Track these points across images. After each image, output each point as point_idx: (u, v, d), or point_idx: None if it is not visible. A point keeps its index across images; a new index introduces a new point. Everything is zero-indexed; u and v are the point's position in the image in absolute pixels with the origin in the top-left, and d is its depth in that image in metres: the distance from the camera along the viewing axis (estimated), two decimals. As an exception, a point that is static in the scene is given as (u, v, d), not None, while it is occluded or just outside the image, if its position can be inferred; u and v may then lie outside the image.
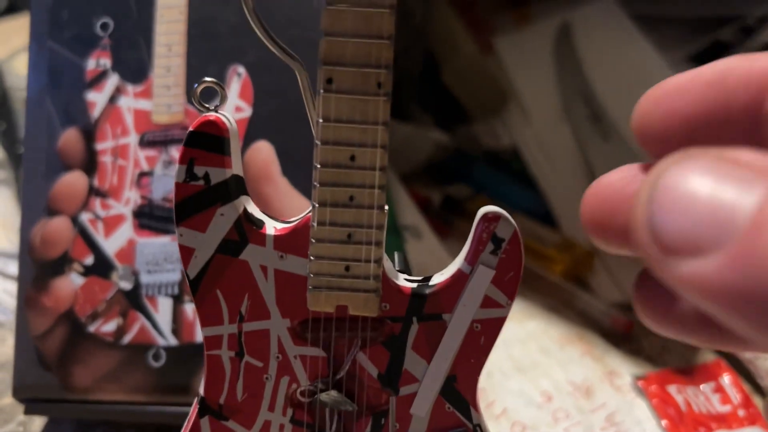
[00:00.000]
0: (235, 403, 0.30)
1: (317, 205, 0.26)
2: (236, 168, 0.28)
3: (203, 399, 0.30)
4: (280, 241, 0.28)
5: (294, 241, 0.28)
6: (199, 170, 0.27)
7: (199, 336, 0.43)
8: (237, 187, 0.28)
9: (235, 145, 0.27)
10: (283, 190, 0.42)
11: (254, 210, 0.28)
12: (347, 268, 0.28)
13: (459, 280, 0.28)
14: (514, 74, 0.79)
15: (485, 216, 0.28)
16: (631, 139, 0.72)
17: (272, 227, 0.28)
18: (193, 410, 0.30)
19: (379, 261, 0.27)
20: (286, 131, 0.43)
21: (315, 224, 0.27)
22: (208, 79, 0.27)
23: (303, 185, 0.43)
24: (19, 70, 0.80)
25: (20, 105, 0.75)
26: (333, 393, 0.30)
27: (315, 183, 0.26)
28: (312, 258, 0.27)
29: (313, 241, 0.27)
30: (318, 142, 0.26)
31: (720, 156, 0.18)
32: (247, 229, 0.28)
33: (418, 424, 0.30)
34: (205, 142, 0.27)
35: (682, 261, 0.17)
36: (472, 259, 0.28)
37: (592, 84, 0.76)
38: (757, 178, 0.17)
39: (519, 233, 0.28)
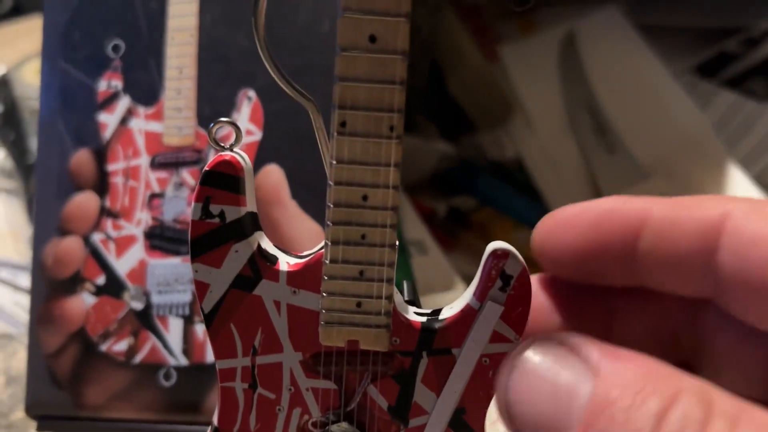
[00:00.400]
0: None
1: (330, 244, 0.27)
2: (250, 205, 0.28)
3: (217, 429, 0.30)
4: (293, 276, 0.28)
5: (307, 276, 0.28)
6: (215, 208, 0.27)
7: (209, 356, 0.44)
8: (251, 223, 0.28)
9: (249, 183, 0.28)
10: (292, 213, 0.43)
11: (268, 245, 0.29)
12: (359, 304, 0.28)
13: (468, 315, 0.29)
14: (519, 84, 0.80)
15: (494, 253, 0.28)
16: (636, 152, 0.73)
17: (285, 263, 0.29)
18: None
19: (390, 297, 0.28)
20: (296, 155, 0.43)
21: (327, 261, 0.27)
22: (223, 119, 0.28)
23: (313, 208, 0.43)
24: (27, 79, 0.80)
25: (29, 115, 0.75)
26: (344, 425, 0.30)
27: (328, 222, 0.27)
28: (324, 294, 0.28)
29: (326, 278, 0.28)
30: (331, 183, 0.26)
31: (560, 346, 0.22)
32: (260, 265, 0.28)
33: None
34: (221, 181, 0.27)
35: None
36: (480, 296, 0.29)
37: (597, 95, 0.76)
38: (579, 385, 0.21)
39: (527, 270, 0.28)
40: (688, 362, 0.31)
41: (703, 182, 0.69)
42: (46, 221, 0.46)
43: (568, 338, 0.23)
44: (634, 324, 0.31)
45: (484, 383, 0.29)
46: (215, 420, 0.30)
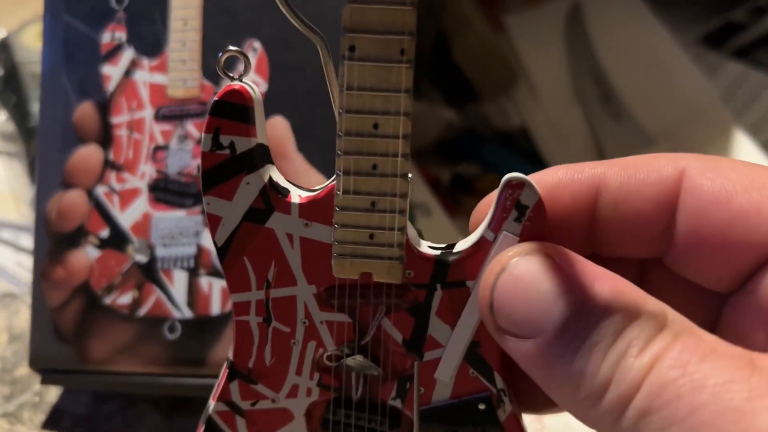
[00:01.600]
0: (264, 368, 0.30)
1: (341, 174, 0.27)
2: (261, 137, 0.28)
3: (233, 363, 0.30)
4: (305, 209, 0.28)
5: (319, 208, 0.28)
6: (225, 139, 0.27)
7: (214, 309, 0.44)
8: (262, 155, 0.28)
9: (259, 114, 0.28)
10: (298, 166, 0.42)
11: (279, 178, 0.29)
12: (371, 236, 0.28)
13: (482, 247, 0.28)
14: (524, 53, 0.79)
15: (509, 183, 0.27)
16: (642, 120, 0.72)
17: (297, 195, 0.28)
18: (223, 374, 0.31)
19: (402, 229, 0.28)
20: (302, 107, 0.43)
21: (339, 192, 0.27)
22: (232, 48, 0.27)
23: (319, 161, 0.43)
24: (27, 43, 0.79)
25: (30, 79, 0.75)
26: (359, 358, 0.30)
27: (339, 152, 0.26)
28: (336, 226, 0.28)
29: (338, 209, 0.27)
30: (341, 111, 0.26)
31: (551, 256, 0.25)
32: (272, 197, 0.28)
33: (442, 389, 0.30)
34: (230, 112, 0.27)
35: (509, 338, 0.25)
36: (495, 227, 0.28)
37: (602, 64, 0.76)
38: (566, 292, 0.24)
39: (543, 201, 0.28)
40: None
41: (709, 150, 0.69)
42: (50, 175, 0.46)
43: (557, 251, 0.25)
44: None
45: None
46: (231, 354, 0.30)
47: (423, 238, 0.30)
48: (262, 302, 0.29)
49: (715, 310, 0.29)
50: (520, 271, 0.25)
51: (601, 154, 0.71)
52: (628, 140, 0.71)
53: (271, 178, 0.28)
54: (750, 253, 0.26)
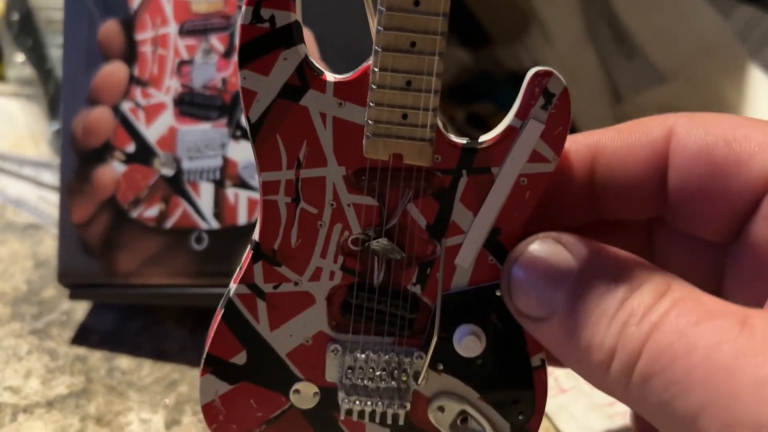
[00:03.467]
0: (289, 249, 0.31)
1: (380, 50, 0.27)
2: (298, 14, 0.28)
3: (258, 244, 0.31)
4: (340, 88, 0.28)
5: (353, 88, 0.28)
6: (266, 12, 0.27)
7: (241, 219, 0.44)
8: (299, 33, 0.28)
9: None
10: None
11: (313, 60, 0.29)
12: (404, 116, 0.28)
13: (509, 135, 0.29)
14: (536, -1, 0.79)
15: (537, 72, 0.28)
16: (656, 59, 0.72)
17: (332, 76, 0.29)
18: (247, 256, 0.31)
19: (435, 110, 0.28)
20: (327, 17, 0.43)
21: (377, 69, 0.27)
22: None
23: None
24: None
25: (44, 24, 0.75)
26: (383, 241, 0.30)
27: (379, 27, 0.27)
28: (371, 104, 0.28)
29: (374, 87, 0.28)
30: None
31: (556, 242, 0.27)
32: (308, 74, 0.28)
33: (461, 275, 0.31)
34: None
35: (528, 320, 0.28)
36: (522, 114, 0.29)
37: (615, 5, 0.76)
38: (573, 272, 0.26)
39: (568, 90, 0.29)
40: None
41: (724, 86, 0.69)
42: (75, 94, 0.46)
43: (563, 237, 0.27)
44: None
45: (520, 204, 0.30)
46: (256, 235, 0.31)
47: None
48: (292, 182, 0.30)
49: (719, 262, 0.30)
50: (531, 257, 0.28)
51: (614, 93, 0.71)
52: (641, 78, 0.71)
53: (307, 56, 0.28)
54: (734, 202, 0.28)
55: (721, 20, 0.73)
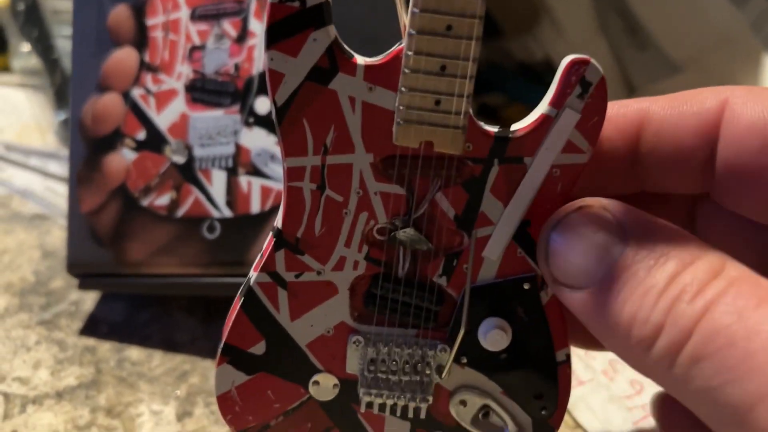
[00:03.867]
0: (312, 238, 0.30)
1: (415, 33, 0.26)
2: None
3: (280, 232, 0.30)
4: (370, 71, 0.27)
5: (384, 73, 0.27)
6: None
7: (253, 208, 0.43)
8: (329, 13, 0.27)
9: None
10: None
11: (342, 42, 0.28)
12: (437, 102, 0.27)
13: (543, 124, 0.28)
14: (547, -10, 0.78)
15: (574, 60, 0.27)
16: (668, 49, 0.71)
17: (362, 59, 0.28)
18: (269, 244, 0.30)
19: (469, 97, 0.27)
20: (345, 2, 0.42)
21: (411, 53, 0.26)
22: None
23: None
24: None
25: (50, 14, 0.74)
26: (410, 231, 0.30)
27: (415, 9, 0.26)
28: (403, 89, 0.27)
29: (407, 71, 0.27)
30: None
31: (602, 211, 0.26)
32: (338, 57, 0.27)
33: (489, 267, 0.30)
34: None
35: (565, 289, 0.26)
36: (557, 103, 0.28)
37: (628, -4, 0.75)
38: (619, 241, 0.24)
39: (605, 80, 0.28)
40: None
41: (737, 77, 0.68)
42: (84, 80, 0.46)
43: (610, 205, 0.26)
44: None
45: (551, 196, 0.29)
46: (279, 222, 0.30)
47: None
48: (318, 168, 0.29)
49: (766, 246, 0.29)
50: (574, 222, 0.26)
51: (628, 84, 0.71)
52: (654, 69, 0.70)
53: (337, 37, 0.27)
54: None
55: (735, 10, 0.72)
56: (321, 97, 0.28)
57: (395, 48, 0.27)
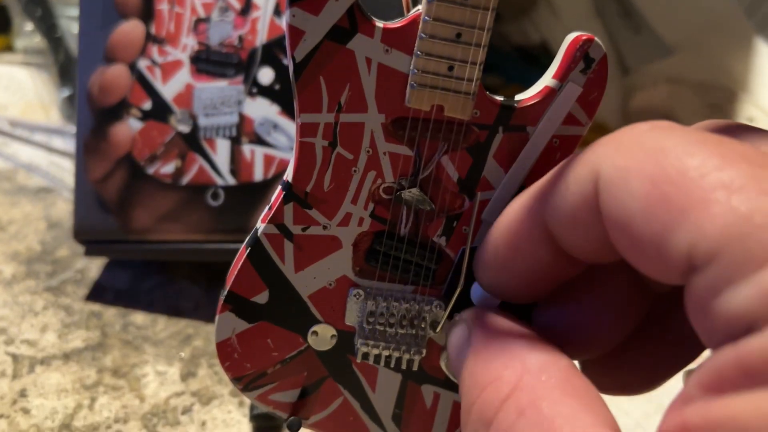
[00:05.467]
0: (321, 193, 0.31)
1: (435, 0, 0.27)
2: None
3: (290, 186, 0.31)
4: (388, 34, 0.28)
5: (402, 36, 0.28)
6: None
7: (257, 176, 0.45)
8: None
9: None
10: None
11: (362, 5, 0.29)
12: (451, 68, 0.28)
13: (547, 96, 0.30)
14: (544, -26, 0.79)
15: (578, 37, 0.29)
16: (663, 32, 0.73)
17: (380, 21, 0.29)
18: (278, 196, 0.31)
19: (481, 64, 0.28)
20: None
21: (429, 18, 0.27)
22: None
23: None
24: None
25: (54, -6, 0.75)
26: (415, 191, 0.31)
27: None
28: (419, 54, 0.28)
29: (424, 36, 0.28)
30: None
31: (463, 321, 0.28)
32: (358, 17, 0.28)
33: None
34: None
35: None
36: (562, 77, 0.29)
37: (623, -19, 0.76)
38: (468, 340, 0.27)
39: (607, 57, 0.29)
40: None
41: (730, 59, 0.70)
42: (91, 52, 0.47)
43: (463, 315, 0.28)
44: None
45: (549, 164, 0.30)
46: (289, 176, 0.31)
47: None
48: (331, 126, 0.30)
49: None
50: (454, 328, 0.28)
51: (621, 65, 0.72)
52: (648, 51, 0.71)
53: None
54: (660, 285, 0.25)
55: (728, -5, 0.74)
56: (339, 55, 0.29)
57: (413, 12, 0.28)
